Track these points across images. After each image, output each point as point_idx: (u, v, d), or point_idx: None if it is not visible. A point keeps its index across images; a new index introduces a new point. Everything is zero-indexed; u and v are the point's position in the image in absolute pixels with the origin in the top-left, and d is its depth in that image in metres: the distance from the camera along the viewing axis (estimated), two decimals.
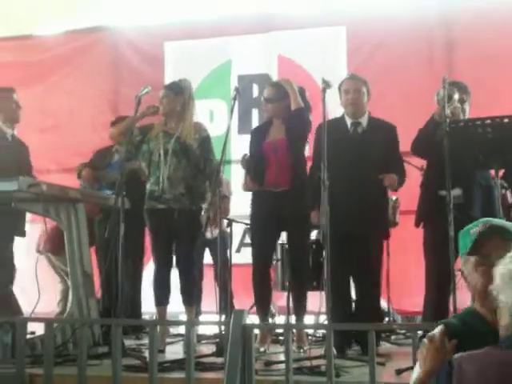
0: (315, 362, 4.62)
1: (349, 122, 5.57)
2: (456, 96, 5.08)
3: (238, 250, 7.82)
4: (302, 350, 5.36)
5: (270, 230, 5.64)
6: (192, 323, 4.75)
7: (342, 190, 5.12)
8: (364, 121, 5.57)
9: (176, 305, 5.96)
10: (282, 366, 4.26)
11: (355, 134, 5.55)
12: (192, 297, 5.86)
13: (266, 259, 5.75)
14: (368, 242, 5.34)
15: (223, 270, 6.21)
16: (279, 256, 6.33)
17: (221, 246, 6.01)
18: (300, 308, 5.65)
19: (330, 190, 4.83)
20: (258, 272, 5.66)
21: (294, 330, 5.51)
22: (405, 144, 5.52)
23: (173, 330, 6.70)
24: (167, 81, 7.92)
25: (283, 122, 5.72)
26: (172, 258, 5.87)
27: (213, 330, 6.58)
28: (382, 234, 5.59)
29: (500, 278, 2.13)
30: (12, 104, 6.21)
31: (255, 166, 5.78)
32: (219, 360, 4.73)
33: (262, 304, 5.67)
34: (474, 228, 2.74)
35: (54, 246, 6.81)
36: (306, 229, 5.71)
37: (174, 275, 5.83)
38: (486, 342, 2.24)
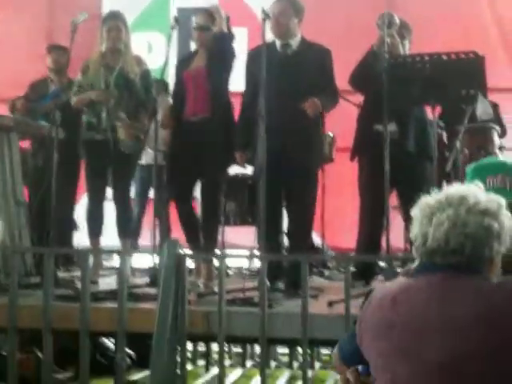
0: (249, 295, 4.64)
1: (278, 44, 5.34)
2: (396, 21, 5.06)
3: None
4: (209, 289, 5.19)
5: (188, 164, 5.49)
6: (125, 252, 4.73)
7: (270, 119, 4.77)
8: (295, 43, 5.33)
9: (112, 239, 5.92)
10: (215, 297, 4.27)
11: (284, 55, 5.31)
12: (127, 229, 5.83)
13: (187, 193, 5.66)
14: (300, 174, 5.18)
15: (159, 204, 6.16)
16: None
17: (156, 179, 5.91)
18: (209, 244, 5.52)
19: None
20: (181, 209, 5.63)
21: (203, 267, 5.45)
22: (344, 82, 5.48)
23: (107, 264, 6.65)
24: (105, 8, 7.77)
25: (206, 50, 5.57)
26: (105, 189, 5.81)
27: (149, 263, 6.55)
28: (314, 168, 5.40)
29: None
30: None
31: (174, 97, 5.70)
32: (152, 291, 4.71)
33: (192, 239, 5.60)
34: (492, 177, 2.52)
35: None
36: (223, 162, 5.57)
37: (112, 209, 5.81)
38: None
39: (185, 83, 5.60)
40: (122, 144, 5.59)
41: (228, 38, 5.59)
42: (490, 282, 1.98)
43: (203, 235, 5.56)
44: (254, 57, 5.26)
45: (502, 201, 2.08)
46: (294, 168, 5.14)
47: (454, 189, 2.09)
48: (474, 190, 2.08)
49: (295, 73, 5.19)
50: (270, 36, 5.29)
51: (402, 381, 1.96)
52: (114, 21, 5.77)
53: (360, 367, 2.20)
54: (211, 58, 5.52)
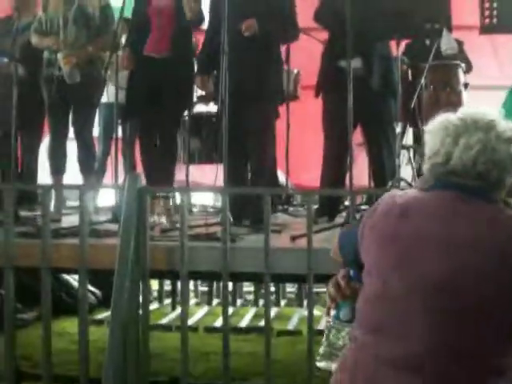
0: (212, 230, 4.63)
1: None
2: None
3: None
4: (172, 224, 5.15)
5: (148, 99, 5.48)
6: (86, 187, 4.68)
7: (230, 54, 4.74)
8: None
9: (77, 179, 5.87)
10: (178, 233, 4.24)
11: None
12: (90, 166, 5.78)
13: (151, 127, 5.66)
14: (256, 110, 5.18)
15: (124, 141, 6.12)
16: None
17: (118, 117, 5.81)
18: (167, 178, 5.57)
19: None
20: (143, 141, 5.69)
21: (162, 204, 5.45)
22: (309, 19, 5.42)
23: (71, 204, 6.59)
24: None
25: None
26: (68, 127, 5.74)
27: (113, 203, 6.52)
28: (271, 101, 5.36)
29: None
30: None
31: (135, 31, 5.60)
32: (115, 227, 4.67)
33: (150, 171, 5.63)
34: None
35: None
36: (181, 101, 5.57)
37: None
38: None
39: (148, 18, 5.53)
40: (64, 75, 5.49)
41: None
42: (505, 212, 1.96)
43: (159, 171, 5.59)
44: None
45: None
46: (251, 104, 5.15)
47: (474, 111, 2.04)
48: (496, 115, 2.04)
49: (255, 7, 5.15)
50: None
51: (392, 292, 1.96)
52: None
53: (352, 272, 2.20)
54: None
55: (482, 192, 1.98)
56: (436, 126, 2.06)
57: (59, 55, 5.46)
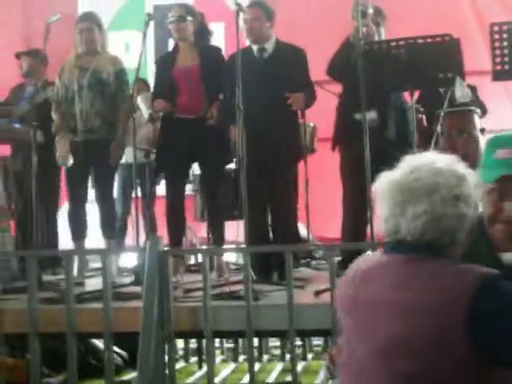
0: (235, 288, 4.62)
1: (255, 48, 5.47)
2: (370, 11, 5.06)
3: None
4: (221, 278, 5.31)
5: (182, 160, 5.57)
6: (108, 251, 4.71)
7: (252, 117, 4.96)
8: (270, 46, 5.46)
9: (98, 242, 5.89)
10: (201, 293, 4.25)
11: (261, 59, 5.45)
12: (111, 230, 5.81)
13: (179, 190, 5.67)
14: (280, 167, 5.27)
15: (143, 201, 6.15)
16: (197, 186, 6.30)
17: (138, 177, 5.86)
18: (218, 237, 5.66)
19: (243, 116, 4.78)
20: (170, 204, 5.64)
21: (215, 259, 5.51)
22: (323, 72, 5.48)
23: (94, 265, 6.62)
24: (80, 10, 7.76)
25: (195, 48, 5.64)
26: (87, 192, 5.78)
27: (135, 263, 6.53)
28: (294, 159, 5.52)
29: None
30: None
31: (165, 93, 5.64)
32: (138, 289, 4.68)
33: (174, 235, 5.62)
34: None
35: None
36: (219, 157, 5.60)
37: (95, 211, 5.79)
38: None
39: (176, 80, 5.61)
40: (57, 157, 5.66)
41: (218, 49, 5.78)
42: (449, 268, 1.94)
43: (211, 231, 5.77)
44: (235, 60, 5.29)
45: (467, 171, 2.02)
46: (273, 160, 5.23)
47: (418, 164, 2.03)
48: (442, 163, 2.01)
49: (273, 75, 5.31)
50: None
51: (357, 357, 2.00)
52: (86, 22, 5.74)
53: None
54: (204, 59, 5.58)
55: (434, 252, 1.97)
56: (383, 187, 2.05)
57: (56, 142, 5.57)
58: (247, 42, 5.51)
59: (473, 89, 5.95)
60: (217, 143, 5.45)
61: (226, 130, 5.45)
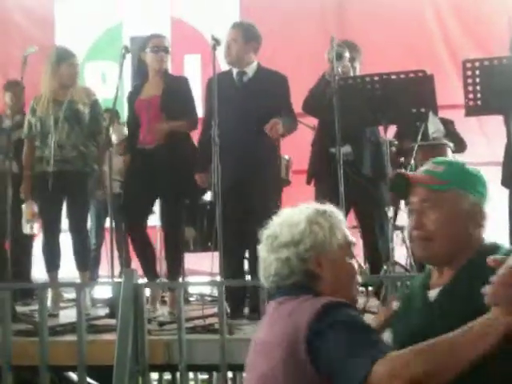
0: (209, 321, 4.62)
1: (234, 71, 5.39)
2: (346, 54, 5.11)
3: None
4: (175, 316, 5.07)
5: (144, 192, 5.45)
6: (82, 284, 4.69)
7: (228, 145, 4.89)
8: (251, 70, 5.38)
9: (72, 271, 5.87)
10: (175, 326, 4.25)
11: (240, 83, 5.37)
12: (85, 261, 5.77)
13: (140, 221, 5.59)
14: (257, 199, 5.14)
15: (117, 233, 6.14)
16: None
17: (112, 208, 5.85)
18: (174, 270, 5.55)
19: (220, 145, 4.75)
20: (134, 235, 5.60)
21: (167, 294, 5.48)
22: (297, 105, 5.53)
23: (68, 296, 6.58)
24: (58, 43, 7.77)
25: (161, 79, 5.61)
26: (60, 222, 5.76)
27: (109, 294, 6.49)
28: (272, 191, 5.36)
29: None
30: None
31: (128, 125, 5.68)
32: (112, 322, 4.67)
33: (147, 266, 5.56)
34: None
35: None
36: (179, 191, 5.51)
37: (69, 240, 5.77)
38: None
39: (138, 111, 5.59)
40: (23, 223, 5.72)
41: (184, 79, 5.76)
42: (304, 302, 2.09)
43: (168, 262, 5.57)
44: (211, 84, 5.31)
45: (309, 211, 2.24)
46: (252, 192, 5.16)
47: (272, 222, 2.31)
48: (282, 219, 2.28)
49: (252, 100, 5.21)
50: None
51: None
52: (74, 57, 5.78)
53: None
54: (167, 90, 5.52)
55: (293, 291, 2.18)
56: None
57: (24, 206, 5.63)
58: (227, 66, 5.48)
59: (450, 123, 6.03)
60: (177, 173, 5.38)
61: (186, 161, 5.43)
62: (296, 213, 2.26)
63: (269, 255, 2.24)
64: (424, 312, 2.14)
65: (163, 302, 5.72)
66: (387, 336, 2.30)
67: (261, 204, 5.06)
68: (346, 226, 2.31)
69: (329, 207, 2.30)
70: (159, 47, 5.56)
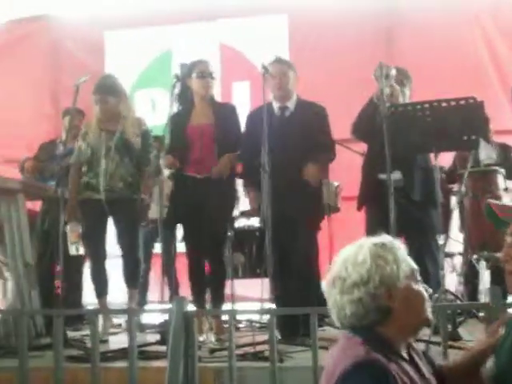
0: (260, 348, 4.61)
1: (276, 106, 5.42)
2: (393, 73, 5.07)
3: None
4: (220, 342, 5.16)
5: (193, 219, 5.44)
6: (133, 311, 4.72)
7: (273, 176, 4.91)
8: (291, 104, 5.43)
9: (121, 296, 5.92)
10: (226, 353, 4.24)
11: (282, 118, 5.40)
12: (135, 279, 5.82)
13: (196, 248, 5.57)
14: (300, 228, 5.18)
15: (166, 259, 6.17)
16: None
17: (163, 235, 5.89)
18: (217, 299, 5.51)
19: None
20: (190, 262, 5.58)
21: (213, 321, 5.41)
22: (347, 132, 5.54)
23: (117, 321, 6.63)
24: (108, 70, 7.87)
25: (209, 106, 5.60)
26: (105, 248, 5.84)
27: (159, 319, 6.52)
28: (315, 221, 5.42)
29: None
30: None
31: (178, 150, 5.55)
32: (163, 348, 4.69)
33: (198, 293, 5.55)
34: None
35: None
36: (224, 218, 5.56)
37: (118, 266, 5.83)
38: None
39: (189, 138, 5.54)
40: (69, 245, 5.76)
41: (232, 108, 5.71)
42: (346, 348, 2.20)
43: (211, 289, 5.55)
44: (253, 118, 5.35)
45: (370, 246, 2.31)
46: (296, 222, 5.17)
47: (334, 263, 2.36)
48: (345, 258, 2.33)
49: (293, 133, 5.26)
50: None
51: None
52: (101, 94, 5.78)
53: None
54: (218, 119, 5.53)
55: (356, 332, 2.24)
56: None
57: (68, 228, 5.68)
58: (271, 99, 5.48)
59: (505, 148, 5.99)
60: (222, 203, 5.40)
61: (232, 190, 5.50)
62: (357, 250, 2.32)
63: (341, 297, 2.26)
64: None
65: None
66: (490, 363, 2.29)
67: (303, 233, 5.17)
68: (406, 253, 2.33)
69: (386, 239, 2.34)
70: (204, 73, 5.56)
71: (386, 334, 2.24)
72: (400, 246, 2.33)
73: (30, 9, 9.13)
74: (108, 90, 5.81)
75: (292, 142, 5.22)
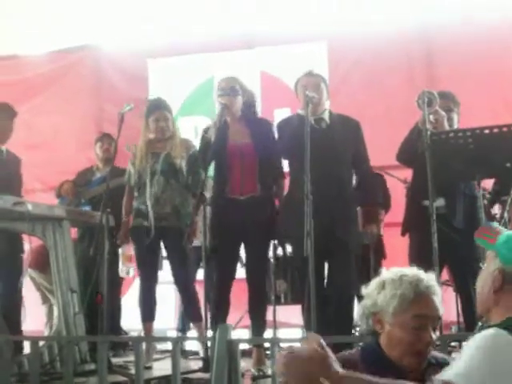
0: None
1: (311, 118, 5.18)
2: (437, 100, 5.06)
3: None
4: (261, 372, 5.08)
5: (230, 243, 5.41)
6: (177, 339, 4.75)
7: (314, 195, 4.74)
8: (326, 116, 5.37)
9: (164, 321, 5.96)
10: (269, 380, 4.25)
11: (319, 129, 5.28)
12: (197, 313, 5.82)
13: (230, 274, 5.50)
14: (344, 253, 5.17)
15: (209, 284, 6.19)
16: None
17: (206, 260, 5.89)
18: (258, 325, 5.42)
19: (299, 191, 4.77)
20: (220, 288, 5.48)
21: (254, 351, 5.34)
22: (388, 158, 5.55)
23: (161, 347, 6.65)
24: (151, 97, 7.96)
25: (246, 126, 5.55)
26: (157, 273, 5.87)
27: (199, 345, 6.53)
28: (356, 244, 5.35)
29: None
30: (7, 121, 6.25)
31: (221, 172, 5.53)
32: (206, 376, 4.70)
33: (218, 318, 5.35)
34: None
35: (39, 263, 6.78)
36: (265, 240, 5.52)
37: (161, 291, 5.87)
38: None
39: (229, 158, 5.44)
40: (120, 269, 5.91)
41: (268, 123, 5.67)
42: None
43: (251, 316, 5.48)
44: (282, 127, 5.40)
45: (390, 275, 2.60)
46: (336, 249, 5.16)
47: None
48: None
49: (332, 145, 5.23)
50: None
51: None
52: (160, 110, 5.85)
53: None
54: (256, 137, 5.47)
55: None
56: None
57: (121, 250, 5.76)
58: (299, 111, 5.37)
59: None
60: (265, 227, 5.37)
61: (274, 211, 5.48)
62: (387, 272, 2.65)
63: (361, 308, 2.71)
64: None
65: (246, 354, 5.48)
66: None
67: (343, 259, 5.18)
68: (426, 297, 2.54)
69: (416, 276, 2.59)
70: (224, 90, 5.49)
71: (382, 346, 2.56)
72: (419, 289, 2.54)
73: (72, 39, 9.28)
74: (166, 107, 5.91)
75: (331, 154, 5.19)
